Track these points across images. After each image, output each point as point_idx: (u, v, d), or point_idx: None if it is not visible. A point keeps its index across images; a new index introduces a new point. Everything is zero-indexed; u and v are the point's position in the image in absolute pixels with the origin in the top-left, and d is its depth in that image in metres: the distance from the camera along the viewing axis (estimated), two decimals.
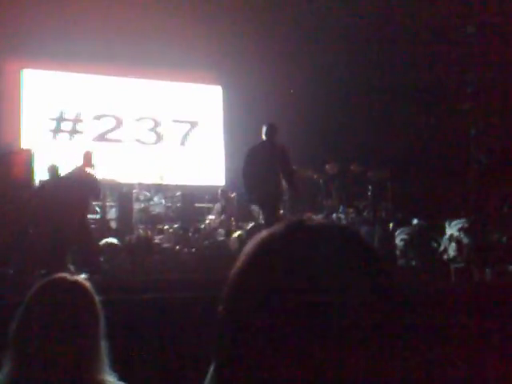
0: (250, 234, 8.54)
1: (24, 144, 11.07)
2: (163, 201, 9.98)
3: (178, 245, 8.80)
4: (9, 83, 11.13)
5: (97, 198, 8.42)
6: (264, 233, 0.74)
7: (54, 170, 7.96)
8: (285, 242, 0.70)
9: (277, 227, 0.73)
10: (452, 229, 8.40)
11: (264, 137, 7.50)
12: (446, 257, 8.33)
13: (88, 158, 8.03)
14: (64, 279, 1.59)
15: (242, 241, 8.66)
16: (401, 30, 10.89)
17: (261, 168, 7.14)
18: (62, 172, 7.99)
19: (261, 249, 0.72)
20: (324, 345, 0.64)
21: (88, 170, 7.89)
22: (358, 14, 10.79)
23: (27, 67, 11.42)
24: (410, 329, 0.70)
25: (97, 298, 1.61)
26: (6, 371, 1.51)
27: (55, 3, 10.52)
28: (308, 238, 0.70)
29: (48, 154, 11.15)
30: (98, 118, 11.80)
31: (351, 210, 9.41)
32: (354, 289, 0.67)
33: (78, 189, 7.57)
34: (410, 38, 10.82)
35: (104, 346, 1.59)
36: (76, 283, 1.59)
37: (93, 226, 9.34)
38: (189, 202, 10.24)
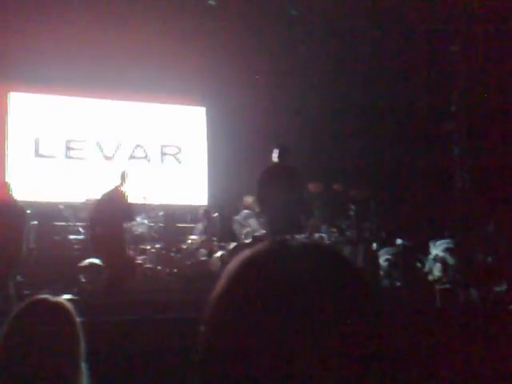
0: (232, 254, 8.51)
1: (9, 166, 10.98)
2: (146, 221, 9.91)
3: (159, 265, 8.73)
4: None
5: (131, 219, 8.31)
6: (246, 252, 0.73)
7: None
8: (267, 262, 0.70)
9: (259, 246, 0.73)
10: (437, 249, 8.43)
11: (277, 159, 7.43)
12: (430, 277, 8.35)
13: (123, 178, 8.00)
14: (46, 300, 1.58)
15: (224, 261, 8.62)
16: (383, 48, 11.03)
17: (278, 192, 7.09)
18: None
19: (243, 268, 0.72)
20: (304, 367, 0.64)
21: (123, 190, 7.88)
22: (343, 34, 10.93)
23: (14, 90, 11.37)
24: (393, 351, 0.69)
25: (78, 320, 1.60)
26: None
27: (42, 27, 10.52)
28: (290, 258, 0.70)
29: (32, 177, 11.13)
30: (82, 140, 11.74)
31: (334, 230, 9.42)
32: (335, 308, 0.67)
33: (111, 210, 7.53)
34: (392, 58, 10.96)
35: (84, 367, 1.58)
36: (57, 304, 1.57)
37: (76, 246, 9.25)
38: (171, 222, 10.19)
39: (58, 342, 1.51)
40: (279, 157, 7.47)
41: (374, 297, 0.72)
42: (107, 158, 11.87)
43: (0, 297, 6.84)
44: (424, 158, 10.91)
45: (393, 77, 11.05)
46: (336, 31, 10.87)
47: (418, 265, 8.64)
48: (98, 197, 8.19)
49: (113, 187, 8.03)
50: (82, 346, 1.59)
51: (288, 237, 0.79)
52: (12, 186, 7.48)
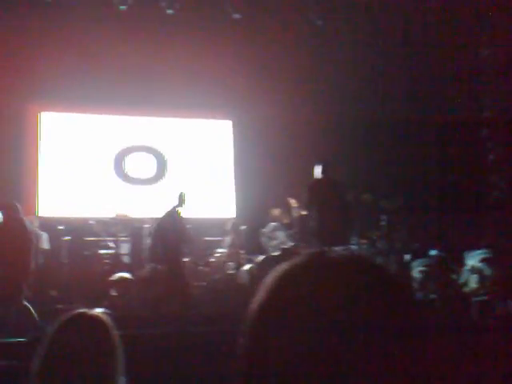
0: (260, 267, 8.46)
1: (41, 184, 11.16)
2: None
3: (188, 278, 8.72)
4: (27, 126, 11.34)
5: (190, 242, 8.32)
6: (285, 265, 0.73)
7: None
8: (306, 274, 0.70)
9: (298, 259, 0.73)
10: (473, 260, 8.21)
11: (320, 175, 7.63)
12: (466, 289, 8.13)
13: (182, 200, 8.11)
14: (84, 314, 1.57)
15: (252, 274, 8.58)
16: (414, 56, 10.94)
17: (328, 207, 7.23)
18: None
19: (282, 281, 0.71)
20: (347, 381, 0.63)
21: (179, 211, 7.97)
22: (368, 44, 10.88)
23: (45, 110, 11.62)
24: (434, 365, 0.68)
25: (116, 333, 1.59)
26: None
27: (71, 48, 10.79)
28: (329, 271, 0.70)
29: (63, 193, 11.32)
30: (111, 156, 11.90)
31: (364, 241, 9.27)
32: (379, 323, 0.66)
33: (172, 231, 7.62)
34: (423, 65, 10.86)
35: (123, 381, 1.56)
36: (96, 318, 1.57)
37: (106, 260, 9.34)
38: (199, 236, 10.20)
39: (97, 355, 1.51)
40: (323, 172, 7.61)
41: (420, 310, 0.71)
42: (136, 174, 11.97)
43: (13, 312, 6.95)
44: (458, 165, 10.73)
45: (423, 87, 10.93)
46: (368, 41, 10.82)
47: (454, 276, 8.44)
48: (159, 217, 8.15)
49: (171, 208, 8.06)
50: (121, 360, 1.58)
51: (326, 249, 0.74)
52: (19, 207, 7.49)
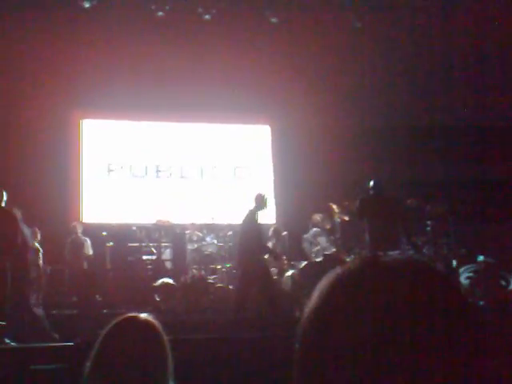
0: (302, 273, 8.40)
1: (84, 191, 11.41)
2: (215, 241, 9.99)
3: (231, 284, 8.74)
4: (70, 133, 11.61)
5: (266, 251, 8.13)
6: (339, 269, 0.72)
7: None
8: (360, 279, 0.69)
9: (351, 263, 0.72)
10: None
11: (372, 191, 7.88)
12: None
13: (263, 202, 7.98)
14: (136, 319, 1.58)
15: (294, 280, 8.53)
16: (460, 68, 10.74)
17: (379, 223, 7.42)
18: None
19: (336, 286, 0.70)
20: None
21: (258, 213, 7.92)
22: (409, 45, 10.71)
23: (86, 117, 11.87)
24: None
25: (165, 338, 1.59)
26: None
27: (111, 55, 10.98)
28: (384, 274, 0.68)
29: (106, 200, 11.53)
30: (152, 163, 12.04)
31: (409, 247, 9.10)
32: (435, 329, 0.64)
33: (249, 234, 7.56)
34: (468, 69, 10.65)
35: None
36: (147, 322, 1.57)
37: (149, 266, 9.45)
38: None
39: (147, 359, 1.52)
40: (374, 189, 7.86)
41: (477, 316, 0.68)
42: (176, 179, 12.10)
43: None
44: (507, 170, 10.45)
45: (469, 91, 10.71)
46: (409, 42, 10.67)
47: (503, 283, 8.20)
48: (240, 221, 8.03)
49: (250, 211, 7.88)
50: (171, 364, 1.58)
51: (380, 253, 0.72)
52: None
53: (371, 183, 7.89)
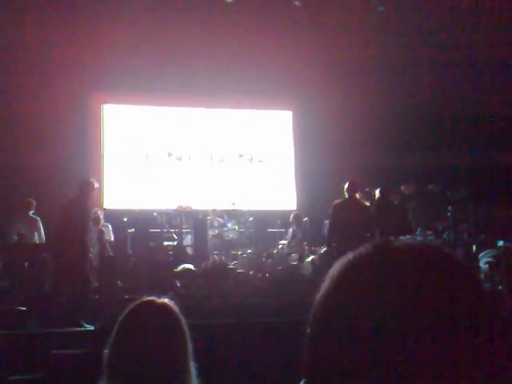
0: (323, 258, 8.43)
1: (106, 178, 11.51)
2: (236, 227, 10.04)
3: (251, 270, 8.80)
4: (91, 118, 11.66)
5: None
6: (350, 255, 0.72)
7: None
8: (372, 263, 0.69)
9: (363, 249, 0.72)
10: None
11: (379, 195, 7.95)
12: None
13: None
14: (153, 302, 1.61)
15: (315, 265, 8.55)
16: (477, 58, 10.57)
17: (348, 226, 7.40)
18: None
19: (348, 270, 0.70)
20: (412, 370, 0.62)
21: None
22: (434, 31, 10.56)
23: (108, 102, 11.92)
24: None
25: (184, 321, 1.62)
26: None
27: (133, 40, 10.99)
28: (396, 259, 0.68)
29: (128, 185, 11.63)
30: (174, 148, 12.09)
31: (430, 232, 9.06)
32: (447, 312, 0.64)
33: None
34: (490, 57, 10.48)
35: (193, 366, 1.60)
36: (164, 306, 1.60)
37: (170, 252, 9.55)
38: (261, 227, 10.25)
39: (165, 341, 1.54)
40: (381, 194, 7.92)
41: (491, 300, 0.68)
42: (197, 165, 12.15)
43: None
44: None
45: (491, 78, 10.54)
46: (433, 27, 10.51)
47: None
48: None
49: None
50: (190, 346, 1.60)
51: (392, 238, 0.74)
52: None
53: (346, 186, 7.83)
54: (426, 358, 0.62)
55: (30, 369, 5.84)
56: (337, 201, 7.86)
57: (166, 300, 1.67)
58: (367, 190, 8.97)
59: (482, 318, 0.65)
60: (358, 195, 8.34)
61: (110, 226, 9.50)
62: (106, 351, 1.57)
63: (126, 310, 1.62)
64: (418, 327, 0.63)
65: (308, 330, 0.71)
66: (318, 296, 0.71)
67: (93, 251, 8.22)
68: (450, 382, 0.62)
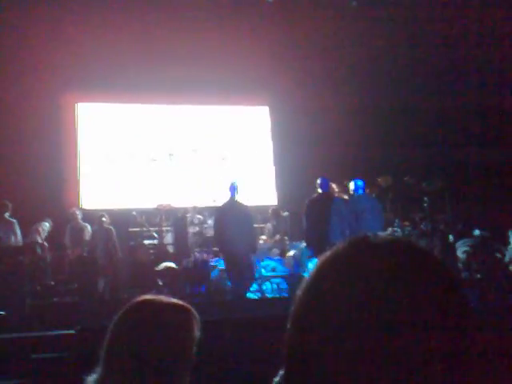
0: (304, 252, 8.49)
1: (82, 174, 11.38)
2: None
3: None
4: (64, 117, 11.51)
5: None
6: (328, 252, 0.73)
7: None
8: (349, 260, 0.70)
9: (341, 245, 0.73)
10: None
11: (320, 190, 7.82)
12: (511, 268, 8.00)
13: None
14: (148, 301, 1.56)
15: (296, 259, 8.61)
16: (456, 52, 10.69)
17: (320, 221, 7.39)
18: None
19: (326, 267, 0.71)
20: (387, 364, 0.63)
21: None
22: (405, 28, 10.66)
23: (82, 101, 11.77)
24: (479, 348, 0.67)
25: (197, 322, 1.57)
26: None
27: (107, 37, 10.86)
28: (372, 255, 0.69)
29: (104, 185, 11.52)
30: (151, 146, 12.01)
31: (407, 223, 9.18)
32: (422, 307, 0.65)
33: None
34: (460, 50, 10.61)
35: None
36: (162, 304, 1.55)
37: (151, 251, 9.52)
38: None
39: (162, 340, 1.49)
40: (321, 187, 7.85)
41: (463, 293, 0.69)
42: (174, 162, 12.10)
43: None
44: (502, 147, 10.49)
45: (467, 71, 10.69)
46: (407, 30, 10.61)
47: (498, 255, 8.30)
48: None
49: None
50: (192, 344, 1.53)
51: (370, 234, 0.77)
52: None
53: (318, 181, 7.87)
54: (396, 353, 0.63)
55: (10, 374, 5.75)
56: (310, 197, 7.86)
57: (166, 298, 1.62)
58: (345, 183, 9.04)
59: (458, 309, 0.67)
60: (336, 189, 8.41)
61: (88, 226, 9.44)
62: (101, 354, 1.54)
63: (122, 309, 1.58)
64: (395, 320, 0.64)
65: (288, 325, 0.72)
66: (298, 292, 0.73)
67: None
68: (419, 375, 0.64)
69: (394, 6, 10.44)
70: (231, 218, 7.48)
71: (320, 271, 0.71)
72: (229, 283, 7.95)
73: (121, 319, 1.51)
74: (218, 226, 7.62)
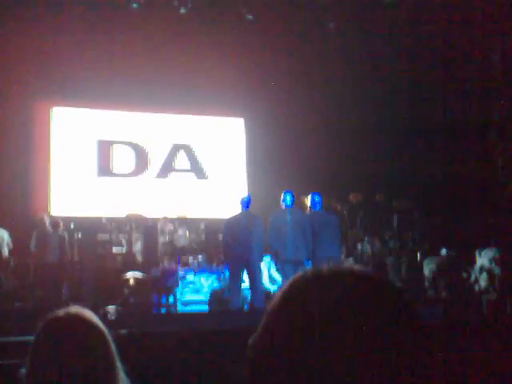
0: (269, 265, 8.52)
1: (53, 181, 11.21)
2: (187, 233, 9.99)
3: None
4: (39, 122, 11.36)
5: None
6: (292, 278, 0.76)
7: None
8: (303, 290, 0.73)
9: (300, 274, 0.76)
10: (483, 259, 8.21)
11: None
12: (477, 288, 8.14)
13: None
14: (61, 316, 1.56)
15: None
16: (424, 63, 10.90)
17: (288, 235, 7.41)
18: None
19: (285, 296, 0.74)
20: None
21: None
22: (380, 50, 10.86)
23: (57, 105, 11.62)
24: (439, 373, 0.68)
25: (100, 325, 1.58)
26: None
27: (84, 43, 10.79)
28: (322, 286, 0.72)
29: (75, 191, 11.34)
30: (124, 154, 11.90)
31: (376, 240, 9.28)
32: (372, 335, 0.66)
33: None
34: (433, 70, 10.83)
35: (122, 369, 1.56)
36: (75, 316, 1.55)
37: (119, 258, 9.40)
38: (212, 234, 10.23)
39: (82, 354, 1.50)
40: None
41: (417, 318, 0.70)
42: (149, 172, 12.01)
43: None
44: (469, 166, 10.69)
45: (434, 90, 10.91)
46: (379, 44, 10.79)
47: (464, 275, 8.44)
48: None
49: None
50: (112, 350, 1.55)
51: (324, 264, 0.77)
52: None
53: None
54: (360, 378, 0.65)
55: None
56: (274, 212, 7.86)
57: (77, 309, 1.62)
58: (302, 198, 9.09)
59: (409, 334, 0.68)
60: (307, 203, 8.47)
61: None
62: (23, 370, 1.54)
63: (38, 328, 1.58)
64: (350, 348, 0.66)
65: (250, 342, 0.74)
66: (264, 315, 0.75)
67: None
68: None
69: (370, 27, 10.62)
70: (241, 227, 7.47)
71: (282, 301, 0.74)
72: (227, 293, 7.89)
73: (36, 339, 1.53)
74: (226, 234, 7.61)
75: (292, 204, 7.72)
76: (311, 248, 7.32)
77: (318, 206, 7.76)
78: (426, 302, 7.76)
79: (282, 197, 7.74)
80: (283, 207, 7.64)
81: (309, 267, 0.82)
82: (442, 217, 10.05)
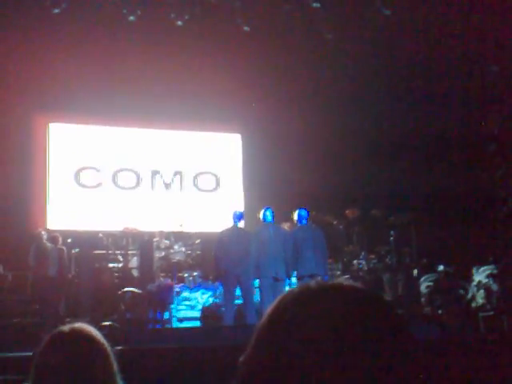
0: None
1: (50, 196, 11.21)
2: (183, 248, 9.97)
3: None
4: (36, 137, 11.38)
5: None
6: (283, 294, 0.77)
7: None
8: (293, 306, 0.74)
9: (290, 290, 0.77)
10: (480, 275, 8.21)
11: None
12: (474, 304, 8.13)
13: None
14: (65, 331, 1.61)
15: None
16: (423, 71, 10.95)
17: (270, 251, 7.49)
18: None
19: (274, 311, 0.75)
20: None
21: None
22: (378, 58, 10.91)
23: (54, 121, 11.66)
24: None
25: (102, 340, 1.62)
26: None
27: (81, 59, 10.84)
28: (309, 302, 0.73)
29: (73, 206, 11.34)
30: (120, 169, 11.92)
31: (373, 256, 9.27)
32: (363, 345, 0.67)
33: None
34: (432, 79, 10.87)
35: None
36: (78, 331, 1.61)
37: (115, 274, 9.37)
38: (208, 250, 10.21)
39: (83, 369, 1.54)
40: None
41: (406, 332, 0.71)
42: (145, 187, 12.03)
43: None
44: (466, 181, 10.71)
45: (432, 100, 10.95)
46: (378, 54, 10.85)
47: (461, 291, 8.43)
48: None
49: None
50: (113, 364, 1.61)
51: (314, 280, 0.79)
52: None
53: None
54: None
55: None
56: (256, 228, 7.91)
57: (80, 325, 1.68)
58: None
59: (399, 349, 0.69)
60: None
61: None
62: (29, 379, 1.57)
63: (43, 342, 1.63)
64: (342, 365, 0.67)
65: (241, 359, 0.75)
66: (253, 334, 0.76)
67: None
68: None
69: (369, 39, 10.68)
70: (232, 241, 7.50)
71: (273, 316, 0.75)
72: (223, 308, 7.86)
73: (39, 355, 1.56)
74: (218, 248, 7.64)
75: (273, 219, 7.78)
76: (293, 266, 7.37)
77: (303, 221, 7.80)
78: (423, 318, 7.76)
79: (261, 213, 7.77)
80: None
81: (288, 284, 0.84)
82: (439, 233, 10.06)
